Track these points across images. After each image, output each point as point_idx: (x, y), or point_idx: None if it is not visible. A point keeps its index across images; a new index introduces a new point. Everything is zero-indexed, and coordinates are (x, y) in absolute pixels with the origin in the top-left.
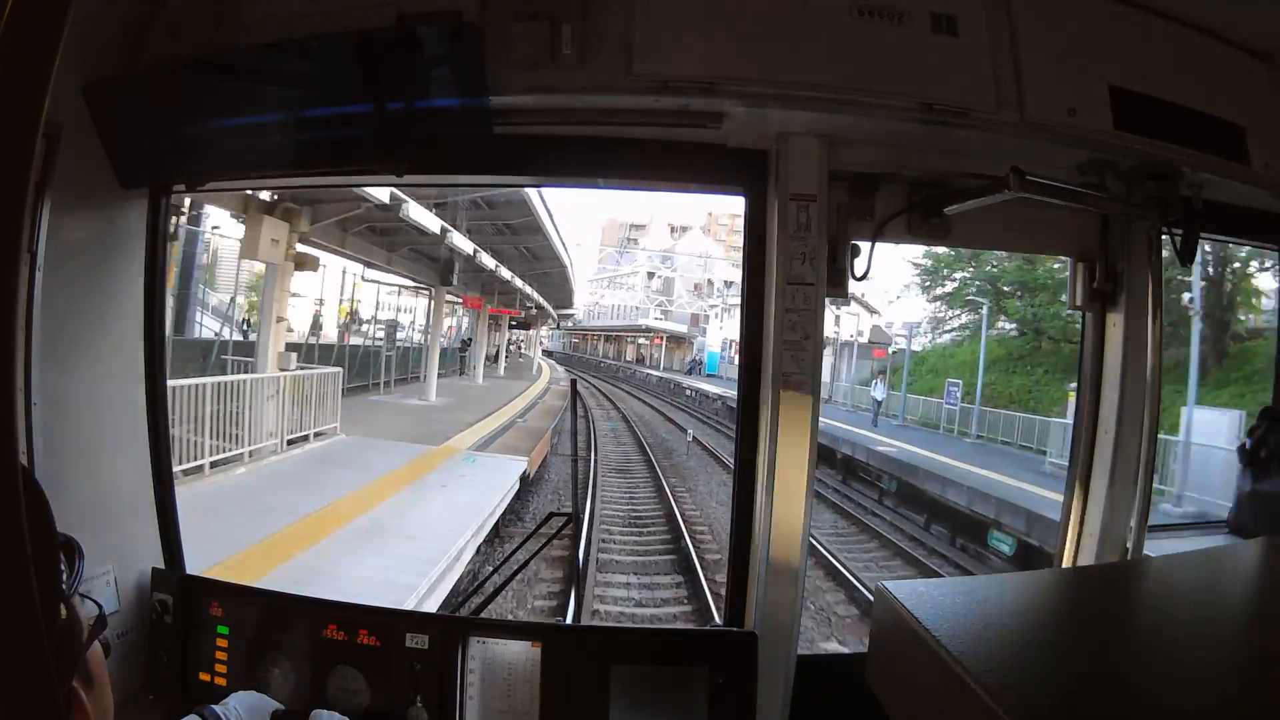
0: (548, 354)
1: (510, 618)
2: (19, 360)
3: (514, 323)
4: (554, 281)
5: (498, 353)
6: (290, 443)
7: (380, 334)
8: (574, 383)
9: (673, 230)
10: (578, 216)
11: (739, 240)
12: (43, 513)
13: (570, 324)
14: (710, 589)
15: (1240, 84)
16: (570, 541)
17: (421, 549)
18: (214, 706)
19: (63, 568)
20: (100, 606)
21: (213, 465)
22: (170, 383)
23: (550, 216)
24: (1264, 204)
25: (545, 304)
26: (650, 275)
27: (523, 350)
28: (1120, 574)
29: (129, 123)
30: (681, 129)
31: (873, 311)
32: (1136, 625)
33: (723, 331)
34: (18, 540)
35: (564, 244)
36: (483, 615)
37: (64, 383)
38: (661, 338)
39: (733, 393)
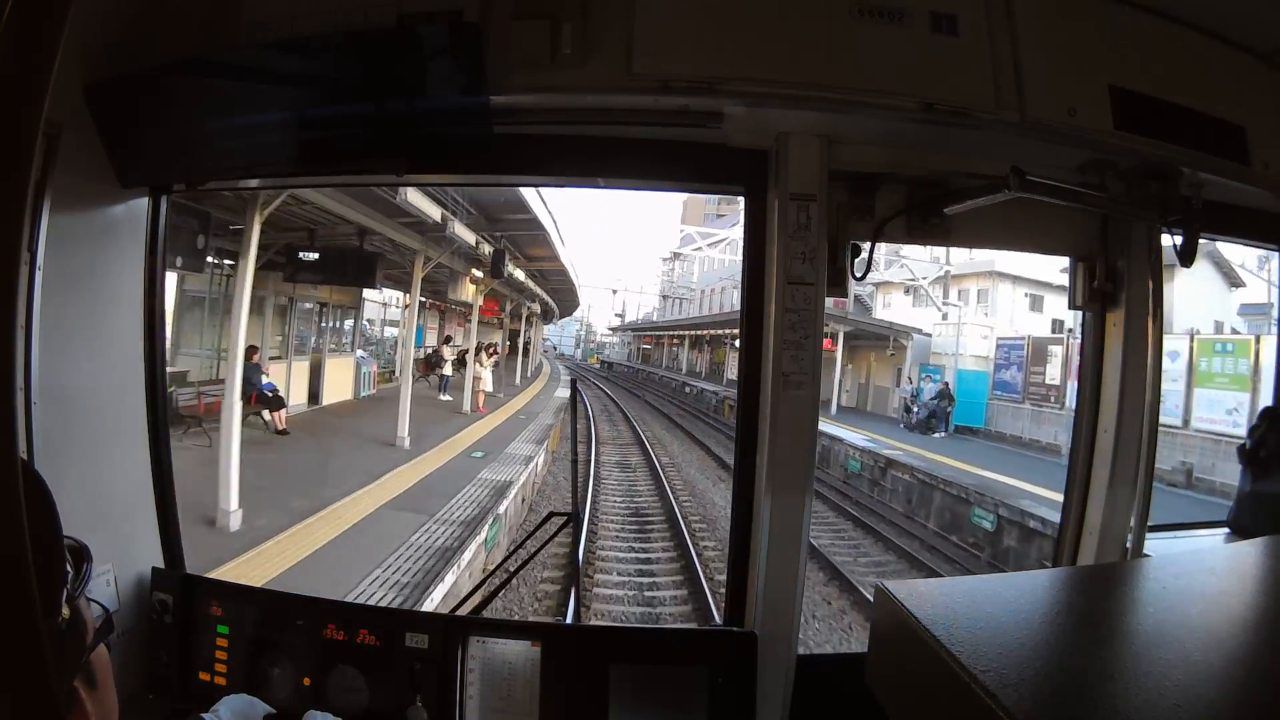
0: (607, 366)
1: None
2: (19, 359)
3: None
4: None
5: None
6: None
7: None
8: (574, 381)
9: None
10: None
11: None
12: (49, 515)
13: (638, 320)
14: None
15: (1240, 84)
16: (570, 541)
17: None
18: (204, 715)
19: (69, 570)
20: (107, 610)
21: None
22: None
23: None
24: (1264, 204)
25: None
26: None
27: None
28: (1120, 574)
29: (129, 123)
30: (681, 129)
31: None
32: (1136, 625)
33: (967, 328)
34: (17, 540)
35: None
36: (483, 615)
37: (64, 382)
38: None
39: None
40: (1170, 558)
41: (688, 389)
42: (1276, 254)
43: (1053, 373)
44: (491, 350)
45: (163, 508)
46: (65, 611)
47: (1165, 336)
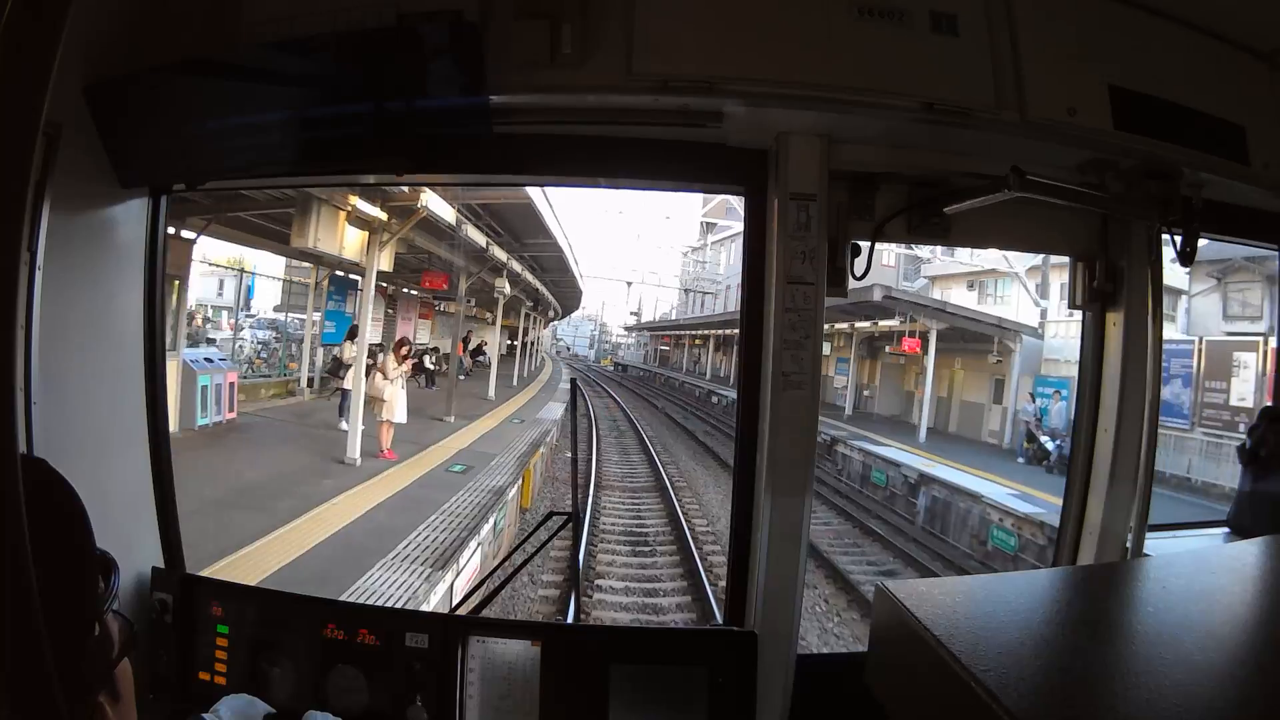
0: (620, 368)
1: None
2: (19, 359)
3: None
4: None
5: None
6: None
7: None
8: (574, 381)
9: None
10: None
11: None
12: (83, 527)
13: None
14: None
15: (1240, 84)
16: (570, 541)
17: None
18: (204, 715)
19: (101, 583)
20: (130, 623)
21: None
22: None
23: None
24: (1264, 204)
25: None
26: None
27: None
28: (1120, 574)
29: (129, 123)
30: (681, 128)
31: None
32: (1136, 625)
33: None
34: (17, 542)
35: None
36: (483, 614)
37: (64, 382)
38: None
39: None
40: (1170, 558)
41: (714, 398)
42: (1277, 254)
43: (1241, 390)
44: (404, 353)
45: (163, 507)
46: (96, 628)
47: None
